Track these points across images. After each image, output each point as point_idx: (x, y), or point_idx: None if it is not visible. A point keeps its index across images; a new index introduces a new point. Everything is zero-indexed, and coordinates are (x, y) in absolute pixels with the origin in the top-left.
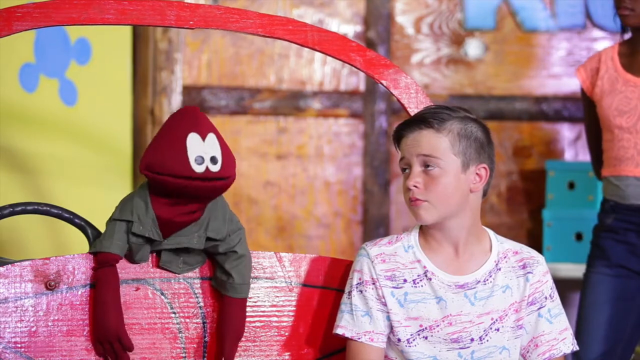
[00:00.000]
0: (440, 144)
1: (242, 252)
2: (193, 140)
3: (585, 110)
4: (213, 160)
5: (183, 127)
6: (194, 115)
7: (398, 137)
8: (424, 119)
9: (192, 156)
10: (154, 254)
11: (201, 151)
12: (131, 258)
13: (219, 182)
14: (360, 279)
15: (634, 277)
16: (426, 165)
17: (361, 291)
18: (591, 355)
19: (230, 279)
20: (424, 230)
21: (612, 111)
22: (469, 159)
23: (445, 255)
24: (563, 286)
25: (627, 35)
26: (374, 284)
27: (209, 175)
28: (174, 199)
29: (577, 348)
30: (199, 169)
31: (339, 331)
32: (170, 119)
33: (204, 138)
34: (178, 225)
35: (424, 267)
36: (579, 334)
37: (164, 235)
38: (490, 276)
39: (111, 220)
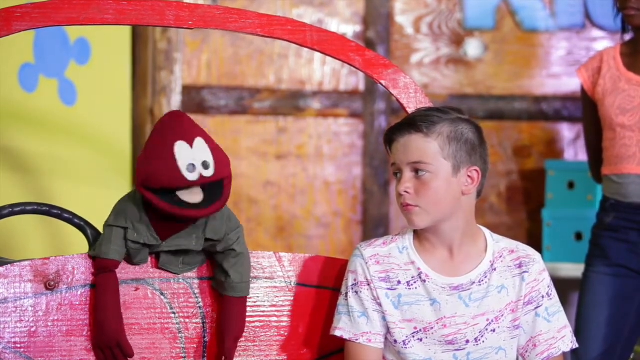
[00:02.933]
0: (430, 149)
1: (240, 250)
2: (181, 149)
3: (585, 110)
4: (204, 165)
5: (170, 137)
6: (179, 121)
7: (389, 141)
8: (413, 123)
9: (182, 165)
10: (153, 256)
11: (191, 158)
12: (130, 261)
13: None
14: (355, 280)
15: (633, 277)
16: (416, 171)
17: (357, 292)
18: (590, 355)
19: (228, 278)
20: (418, 232)
21: (615, 110)
22: (460, 162)
23: (439, 257)
24: (563, 286)
25: (628, 36)
26: (368, 285)
27: (204, 181)
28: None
29: (577, 345)
30: (191, 177)
31: (337, 333)
32: (156, 130)
33: (191, 144)
34: (175, 228)
35: (418, 268)
36: (578, 334)
37: (162, 238)
38: (486, 277)
39: (107, 226)
